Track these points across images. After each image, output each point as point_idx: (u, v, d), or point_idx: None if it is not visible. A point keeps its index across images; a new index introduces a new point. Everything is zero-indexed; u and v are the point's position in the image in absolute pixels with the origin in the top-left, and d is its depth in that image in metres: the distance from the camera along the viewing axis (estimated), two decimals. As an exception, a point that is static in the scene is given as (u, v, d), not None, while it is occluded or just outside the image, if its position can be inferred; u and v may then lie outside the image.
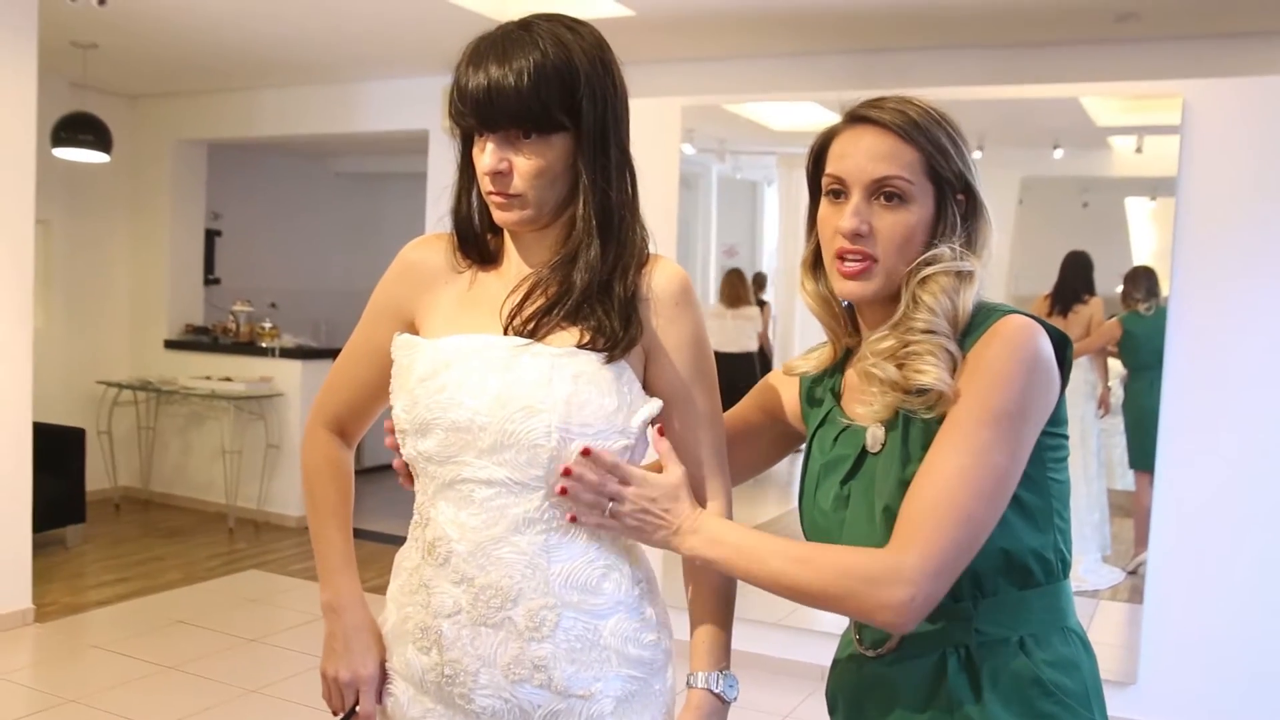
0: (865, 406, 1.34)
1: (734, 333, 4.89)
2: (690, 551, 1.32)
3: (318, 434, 1.52)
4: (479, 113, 1.28)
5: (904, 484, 1.26)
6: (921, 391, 1.25)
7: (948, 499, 1.20)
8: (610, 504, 1.31)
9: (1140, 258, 4.14)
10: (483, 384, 1.30)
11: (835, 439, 1.39)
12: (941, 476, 1.21)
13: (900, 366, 1.28)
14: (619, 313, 1.31)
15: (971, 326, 1.29)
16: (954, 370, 1.26)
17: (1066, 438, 1.32)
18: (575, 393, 1.28)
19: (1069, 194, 4.40)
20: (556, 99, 1.27)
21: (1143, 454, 3.92)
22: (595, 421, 1.28)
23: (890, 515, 1.26)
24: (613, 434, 1.30)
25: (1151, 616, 3.78)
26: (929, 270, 1.29)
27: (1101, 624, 4.01)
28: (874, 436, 1.33)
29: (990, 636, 1.28)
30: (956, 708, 1.28)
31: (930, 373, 1.24)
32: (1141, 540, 3.94)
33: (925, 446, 1.26)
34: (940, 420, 1.25)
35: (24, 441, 4.48)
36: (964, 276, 1.29)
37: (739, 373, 4.68)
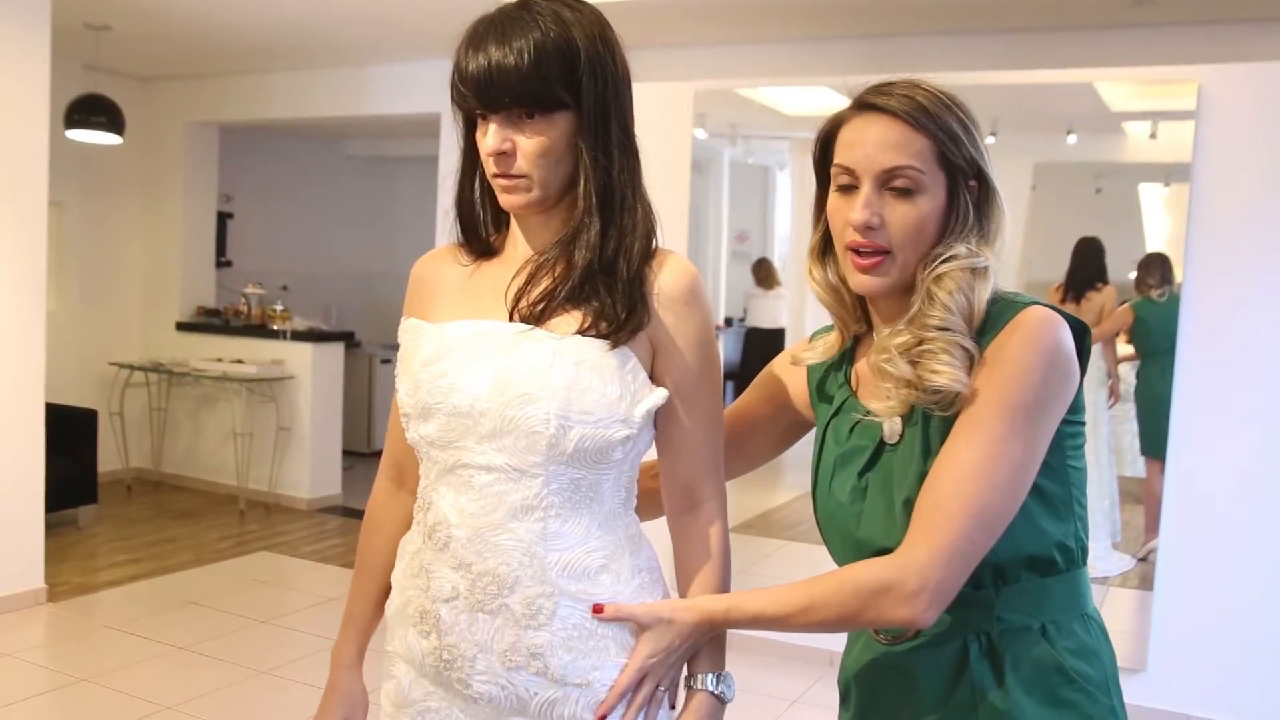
0: (880, 401, 1.33)
1: (770, 310, 5.33)
2: (725, 628, 1.32)
3: (377, 485, 1.56)
4: (480, 94, 1.27)
5: (925, 477, 1.25)
6: (936, 390, 1.24)
7: (962, 490, 1.19)
8: (660, 692, 1.32)
9: (1153, 244, 4.12)
10: (483, 370, 1.29)
11: (851, 430, 1.38)
12: (957, 468, 1.21)
13: (914, 364, 1.26)
14: (623, 295, 1.29)
15: (990, 320, 1.27)
16: (970, 367, 1.24)
17: (1084, 424, 1.32)
18: (576, 380, 1.26)
19: (1083, 180, 4.38)
20: (558, 76, 1.26)
21: (1154, 441, 3.92)
22: (596, 409, 1.26)
23: (910, 508, 1.25)
24: (614, 423, 1.27)
25: (1161, 603, 3.77)
26: (944, 267, 1.27)
27: (1111, 611, 4.01)
28: (891, 429, 1.32)
29: (1012, 624, 1.28)
30: (980, 695, 1.27)
31: (945, 373, 1.23)
32: (1152, 527, 3.94)
33: (945, 439, 1.25)
34: (959, 414, 1.24)
35: (37, 423, 4.51)
36: (979, 272, 1.27)
37: (773, 346, 5.15)
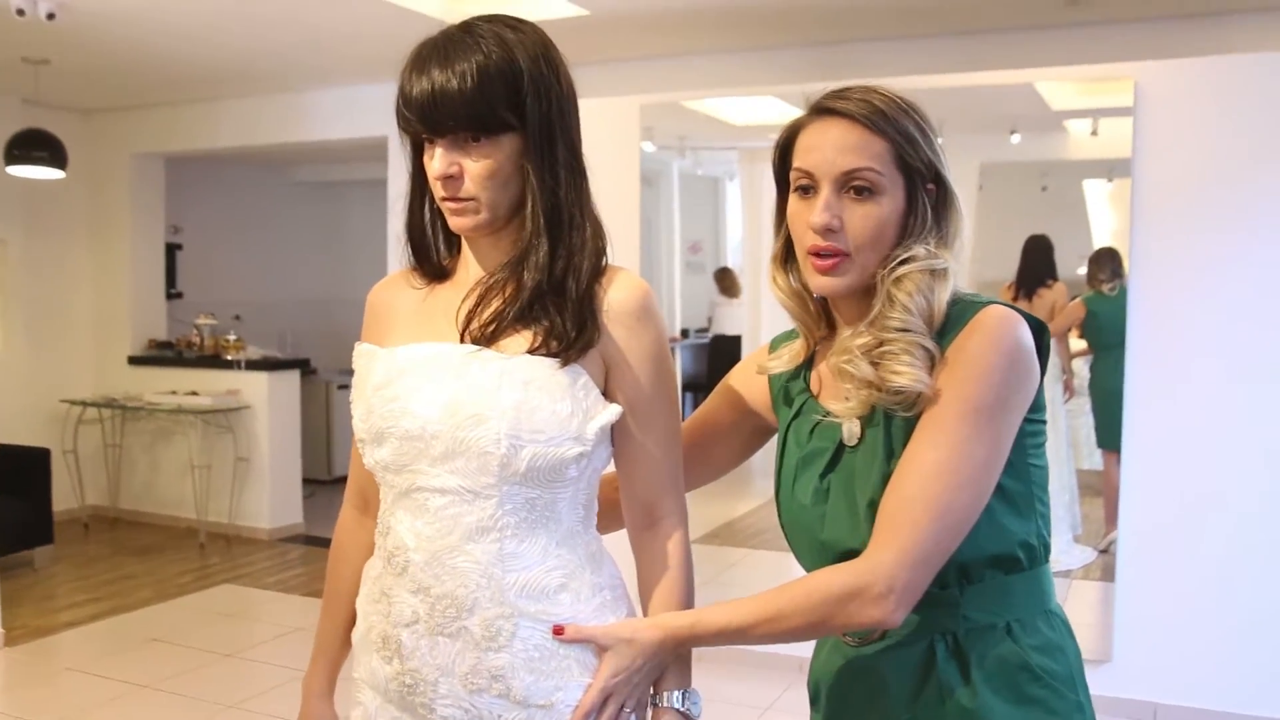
0: (840, 402, 1.33)
1: (736, 318, 5.48)
2: (690, 645, 1.32)
3: (343, 513, 1.56)
4: (425, 118, 1.27)
5: (888, 478, 1.26)
6: (898, 391, 1.25)
7: (926, 492, 1.20)
8: (625, 712, 1.31)
9: (1100, 239, 4.18)
10: (435, 392, 1.29)
11: (811, 431, 1.38)
12: (921, 469, 1.22)
13: (875, 365, 1.27)
14: (572, 314, 1.29)
15: (950, 320, 1.28)
16: (931, 367, 1.25)
17: (1045, 423, 1.33)
18: (525, 399, 1.26)
19: (1028, 178, 4.44)
20: (501, 98, 1.26)
21: (1109, 433, 3.96)
22: (547, 428, 1.26)
23: (874, 509, 1.26)
24: (566, 440, 1.27)
25: (1124, 594, 3.82)
26: (903, 269, 1.28)
27: (1075, 603, 4.05)
28: (850, 431, 1.33)
29: (977, 623, 1.29)
30: (948, 694, 1.28)
31: (906, 374, 1.24)
32: (1112, 519, 3.98)
33: (908, 440, 1.25)
34: (921, 414, 1.25)
35: (-12, 464, 4.43)
36: (938, 274, 1.28)
37: (741, 353, 5.32)
